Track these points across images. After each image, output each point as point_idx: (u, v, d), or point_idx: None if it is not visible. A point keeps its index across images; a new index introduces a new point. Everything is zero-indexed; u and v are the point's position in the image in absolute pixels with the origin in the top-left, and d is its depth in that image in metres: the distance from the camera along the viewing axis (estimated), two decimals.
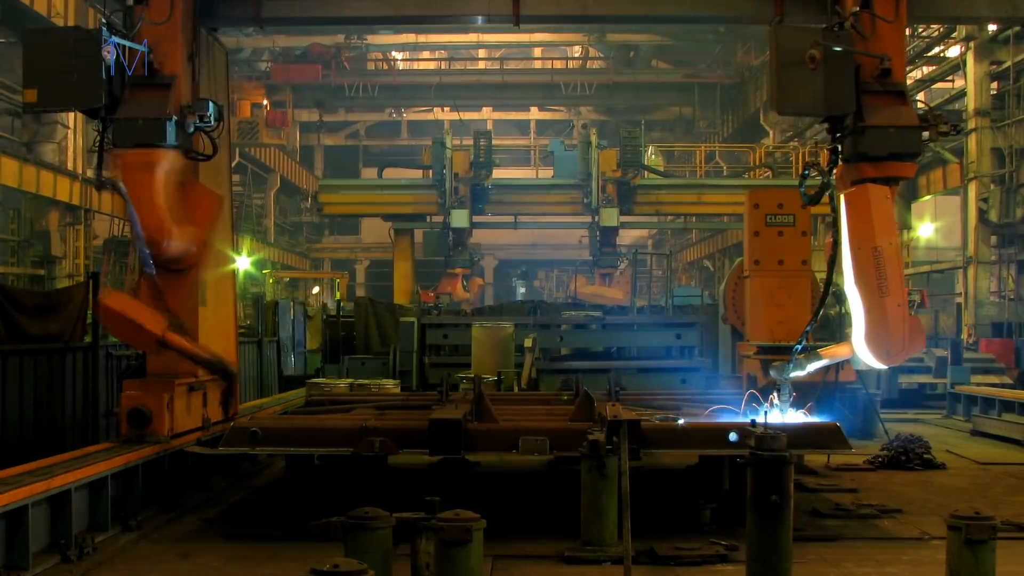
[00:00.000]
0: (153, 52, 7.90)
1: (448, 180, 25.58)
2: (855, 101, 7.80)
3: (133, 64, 7.78)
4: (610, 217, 25.51)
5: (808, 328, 8.30)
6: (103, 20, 7.78)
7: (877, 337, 7.82)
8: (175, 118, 7.95)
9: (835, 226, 8.07)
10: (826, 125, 8.32)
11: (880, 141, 7.81)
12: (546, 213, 28.46)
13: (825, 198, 8.12)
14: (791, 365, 8.24)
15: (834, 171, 8.16)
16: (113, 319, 8.18)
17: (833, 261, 8.07)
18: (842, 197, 8.03)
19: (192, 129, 8.15)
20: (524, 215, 28.38)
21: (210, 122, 8.16)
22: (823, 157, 8.67)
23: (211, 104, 8.10)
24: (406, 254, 27.34)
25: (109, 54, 7.54)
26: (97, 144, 7.92)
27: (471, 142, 26.48)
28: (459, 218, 25.69)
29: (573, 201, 26.72)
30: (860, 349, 7.98)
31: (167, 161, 8.00)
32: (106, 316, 8.27)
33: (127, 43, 7.69)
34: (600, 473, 6.36)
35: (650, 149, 30.68)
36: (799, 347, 8.23)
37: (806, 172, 8.31)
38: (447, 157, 25.49)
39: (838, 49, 7.63)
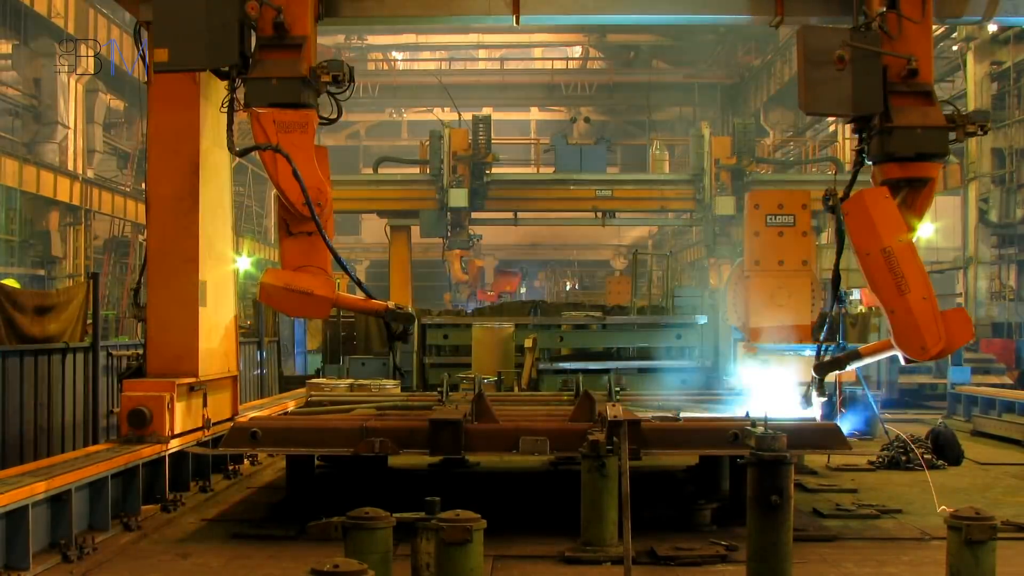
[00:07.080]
0: (283, 13, 7.77)
1: (446, 159, 24.73)
2: (883, 101, 7.81)
3: (263, 25, 7.68)
4: (726, 206, 24.41)
5: (825, 327, 8.28)
6: None
7: (907, 335, 7.68)
8: (308, 78, 7.84)
9: (838, 232, 8.08)
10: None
11: (908, 141, 7.80)
12: (562, 209, 28.00)
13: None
14: (831, 365, 8.22)
15: (858, 172, 8.18)
16: (279, 295, 8.00)
17: (837, 267, 8.18)
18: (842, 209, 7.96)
19: (321, 91, 8.00)
20: (526, 211, 27.96)
21: (344, 83, 7.97)
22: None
23: (345, 65, 7.93)
24: (403, 252, 27.08)
25: (253, 11, 7.47)
26: (227, 105, 7.80)
27: (469, 128, 25.85)
28: (457, 197, 24.77)
29: (587, 197, 25.92)
30: (897, 350, 7.88)
31: (314, 121, 7.95)
32: (271, 294, 8.03)
33: (265, 2, 7.60)
34: (600, 473, 6.36)
35: (655, 144, 30.54)
36: (827, 347, 8.23)
37: (827, 198, 8.20)
38: (444, 135, 24.73)
39: (867, 48, 7.59)
